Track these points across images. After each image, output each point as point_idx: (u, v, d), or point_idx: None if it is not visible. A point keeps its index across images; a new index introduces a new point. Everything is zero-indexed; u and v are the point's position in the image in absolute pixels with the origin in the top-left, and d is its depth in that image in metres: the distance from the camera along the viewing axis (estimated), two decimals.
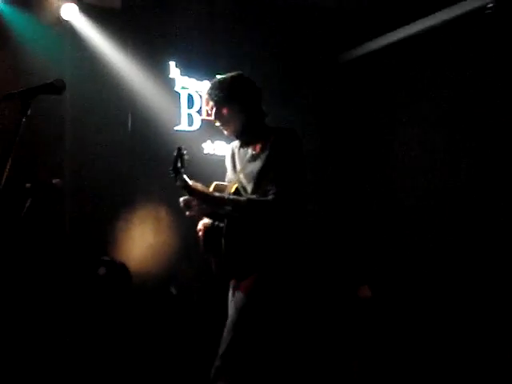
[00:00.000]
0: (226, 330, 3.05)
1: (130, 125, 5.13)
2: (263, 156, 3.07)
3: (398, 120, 5.83)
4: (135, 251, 4.84)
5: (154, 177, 4.91)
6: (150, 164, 5.04)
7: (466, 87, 5.12)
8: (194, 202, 3.09)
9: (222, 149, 5.58)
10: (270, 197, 2.95)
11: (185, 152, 3.01)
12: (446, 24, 5.27)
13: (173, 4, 5.45)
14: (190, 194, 3.06)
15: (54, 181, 4.01)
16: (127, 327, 4.77)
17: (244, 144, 3.26)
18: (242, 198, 3.04)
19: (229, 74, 3.31)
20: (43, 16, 4.86)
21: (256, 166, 3.08)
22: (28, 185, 3.94)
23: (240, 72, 3.35)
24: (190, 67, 5.54)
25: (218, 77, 3.33)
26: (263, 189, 3.01)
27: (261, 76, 5.77)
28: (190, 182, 3.03)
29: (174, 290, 5.02)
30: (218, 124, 3.30)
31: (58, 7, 4.89)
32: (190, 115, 5.51)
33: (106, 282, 4.71)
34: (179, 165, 2.98)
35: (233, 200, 3.04)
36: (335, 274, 5.79)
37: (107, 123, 5.01)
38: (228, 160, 3.40)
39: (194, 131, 5.49)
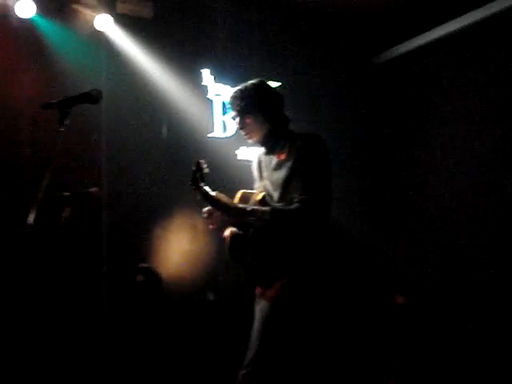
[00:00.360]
0: (252, 337, 3.05)
1: (164, 133, 5.16)
2: (288, 163, 3.03)
3: (433, 121, 5.77)
4: (172, 258, 4.86)
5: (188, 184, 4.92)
6: (185, 171, 5.04)
7: (504, 87, 5.05)
8: (217, 214, 3.09)
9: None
10: (295, 205, 2.92)
11: (205, 166, 2.99)
12: (481, 22, 5.22)
13: (205, 11, 5.47)
14: (212, 205, 3.04)
15: (91, 189, 4.06)
16: (163, 333, 4.79)
17: (269, 151, 3.22)
18: (265, 208, 2.97)
19: (250, 82, 3.27)
20: (78, 27, 4.92)
21: (282, 173, 3.05)
22: (66, 194, 3.99)
23: (261, 79, 3.31)
24: (223, 74, 5.56)
25: (240, 85, 3.27)
26: (289, 196, 2.98)
27: (295, 81, 5.88)
28: (213, 193, 3.01)
29: (211, 296, 5.01)
30: (242, 133, 3.27)
31: (92, 18, 4.94)
32: (223, 122, 5.53)
33: (144, 288, 4.73)
34: (198, 177, 2.97)
35: (256, 210, 2.98)
36: (370, 281, 5.74)
37: (142, 131, 5.05)
38: (255, 168, 3.38)
39: (227, 138, 5.50)
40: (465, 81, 5.43)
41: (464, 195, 5.39)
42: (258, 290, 3.17)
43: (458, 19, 5.41)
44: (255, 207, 3.01)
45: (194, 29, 5.43)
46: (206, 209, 3.10)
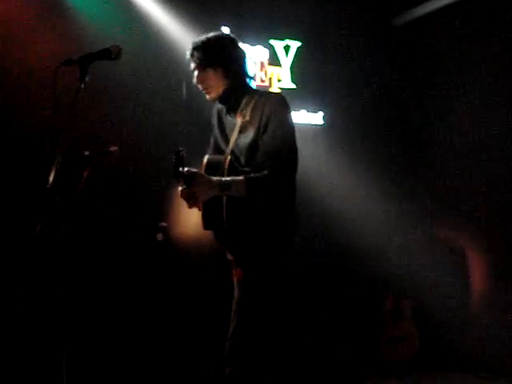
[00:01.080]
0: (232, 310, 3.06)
1: (184, 92, 5.11)
2: (253, 126, 2.99)
3: (456, 86, 5.64)
4: (191, 217, 4.86)
5: (207, 145, 4.92)
6: (205, 132, 5.03)
7: None
8: (198, 194, 2.91)
9: None
10: (267, 171, 2.87)
11: (184, 153, 2.84)
12: None
13: None
14: (196, 184, 2.87)
15: (111, 148, 4.05)
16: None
17: (230, 110, 3.16)
18: (239, 178, 2.89)
19: (212, 34, 3.18)
20: None
21: (248, 137, 3.00)
22: (86, 152, 3.99)
23: (223, 32, 3.27)
24: (243, 32, 5.48)
25: (202, 36, 3.18)
26: (256, 161, 2.95)
27: (315, 41, 5.79)
28: (195, 170, 2.90)
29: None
30: (200, 88, 3.18)
31: None
32: None
33: (164, 247, 4.76)
34: (181, 169, 2.82)
35: (232, 182, 2.88)
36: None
37: (162, 91, 5.01)
38: (215, 123, 3.32)
39: None
40: (490, 46, 5.28)
41: (481, 170, 5.31)
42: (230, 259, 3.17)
43: None
44: (229, 179, 2.91)
45: None
46: (183, 191, 2.91)
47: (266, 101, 3.01)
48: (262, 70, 5.58)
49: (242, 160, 3.03)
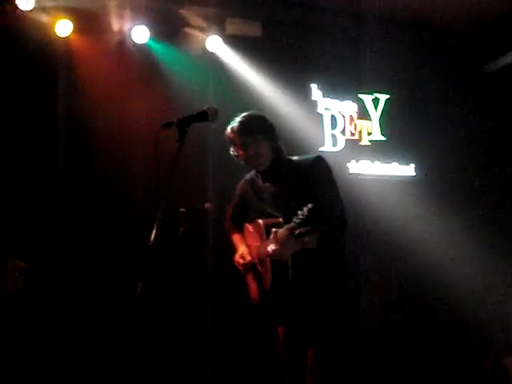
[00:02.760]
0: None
1: None
2: (301, 189, 3.19)
3: None
4: None
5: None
6: None
7: None
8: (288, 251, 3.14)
9: (367, 168, 5.54)
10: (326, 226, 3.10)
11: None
12: None
13: (311, 26, 5.49)
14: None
15: (206, 205, 4.15)
16: None
17: (270, 177, 3.38)
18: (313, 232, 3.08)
19: (252, 112, 3.45)
20: (190, 49, 5.09)
21: (297, 200, 3.11)
22: (182, 210, 4.10)
23: (253, 111, 3.48)
24: (332, 88, 5.56)
25: (243, 115, 3.41)
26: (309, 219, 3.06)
27: (404, 94, 5.78)
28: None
29: None
30: (247, 163, 3.42)
31: (203, 40, 5.10)
32: (333, 136, 5.52)
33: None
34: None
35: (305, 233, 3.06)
36: None
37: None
38: (247, 192, 3.55)
39: (338, 152, 5.48)
40: None
41: None
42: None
43: None
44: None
45: (301, 44, 5.46)
46: (276, 251, 3.14)
47: (307, 165, 3.27)
48: (351, 123, 5.61)
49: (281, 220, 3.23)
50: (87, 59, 4.75)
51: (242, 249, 3.49)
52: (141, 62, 4.91)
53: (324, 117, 5.52)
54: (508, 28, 5.73)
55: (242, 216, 3.64)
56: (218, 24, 5.14)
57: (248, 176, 3.60)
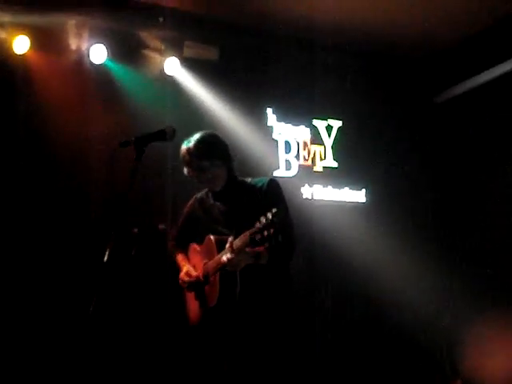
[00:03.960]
0: None
1: None
2: (253, 208, 3.12)
3: (499, 160, 5.66)
4: None
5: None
6: None
7: None
8: (242, 262, 3.10)
9: (320, 193, 5.63)
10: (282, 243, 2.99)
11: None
12: None
13: (268, 52, 5.59)
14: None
15: (159, 226, 4.17)
16: None
17: (222, 197, 3.41)
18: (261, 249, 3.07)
19: (205, 133, 3.41)
20: (147, 70, 5.13)
21: (248, 218, 3.03)
22: (135, 230, 4.11)
23: (208, 131, 3.46)
24: (287, 114, 5.65)
25: (195, 138, 3.37)
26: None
27: (356, 120, 5.92)
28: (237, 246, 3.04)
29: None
30: (202, 184, 3.45)
31: (161, 62, 5.14)
32: (287, 161, 5.60)
33: None
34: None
35: (259, 252, 3.09)
36: None
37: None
38: (195, 210, 3.56)
39: (292, 176, 5.56)
40: None
41: None
42: None
43: None
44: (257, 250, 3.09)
45: (257, 69, 5.55)
46: (233, 260, 3.06)
47: (261, 186, 3.32)
48: (304, 149, 5.71)
49: (230, 239, 3.14)
50: (44, 77, 4.73)
51: (187, 267, 3.47)
52: (98, 81, 4.91)
53: (279, 141, 5.61)
54: (458, 59, 5.94)
55: (188, 237, 3.63)
56: (176, 47, 5.19)
57: (198, 195, 3.61)
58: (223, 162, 3.37)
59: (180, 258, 3.59)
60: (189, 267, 3.46)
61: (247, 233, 2.92)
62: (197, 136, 3.39)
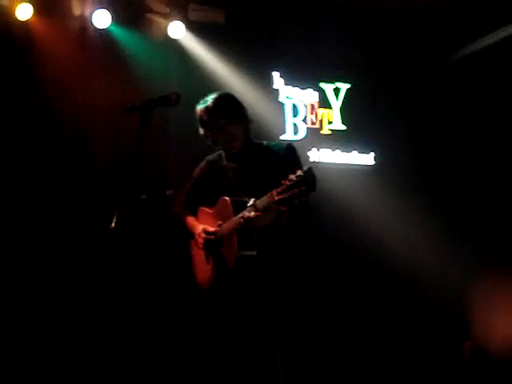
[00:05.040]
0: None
1: None
2: (270, 169, 3.16)
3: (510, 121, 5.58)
4: None
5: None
6: None
7: None
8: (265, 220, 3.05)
9: (328, 156, 5.60)
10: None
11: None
12: None
13: (275, 15, 5.51)
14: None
15: (167, 192, 4.16)
16: None
17: (238, 158, 3.34)
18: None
19: (223, 93, 3.41)
20: (152, 35, 5.08)
21: (265, 178, 3.08)
22: (143, 196, 4.11)
23: (224, 91, 3.47)
24: (294, 77, 5.59)
25: (211, 100, 3.33)
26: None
27: (367, 82, 5.84)
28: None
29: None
30: (218, 145, 3.38)
31: (166, 26, 5.08)
32: (294, 124, 5.55)
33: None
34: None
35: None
36: None
37: None
38: (208, 173, 3.47)
39: (299, 140, 5.52)
40: None
41: None
42: None
43: None
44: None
45: (264, 33, 5.49)
46: (258, 216, 3.00)
47: (279, 149, 3.29)
48: (312, 112, 5.66)
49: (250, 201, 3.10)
50: (48, 43, 4.70)
51: (202, 226, 3.35)
52: (102, 46, 4.88)
53: (286, 105, 5.55)
54: (470, 18, 5.81)
55: (197, 200, 3.55)
56: (181, 10, 5.12)
57: (210, 157, 3.54)
58: (241, 121, 3.33)
59: (191, 219, 3.51)
60: (205, 226, 3.34)
61: (274, 191, 2.83)
62: (214, 95, 3.36)
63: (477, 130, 5.92)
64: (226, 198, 3.22)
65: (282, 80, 5.54)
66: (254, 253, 3.08)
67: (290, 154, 3.28)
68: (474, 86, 5.91)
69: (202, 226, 3.35)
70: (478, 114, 5.89)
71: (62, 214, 4.57)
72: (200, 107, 3.34)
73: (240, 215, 3.05)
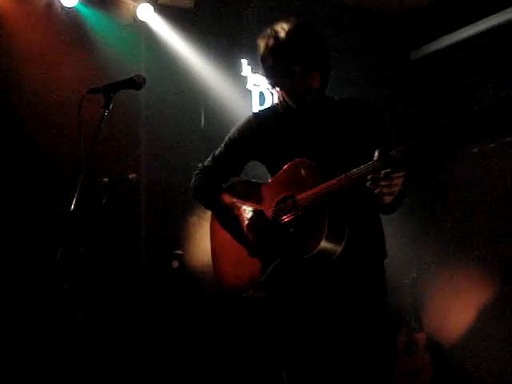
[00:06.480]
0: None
1: (203, 121, 5.20)
2: (354, 130, 2.47)
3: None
4: (207, 245, 4.90)
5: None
6: None
7: None
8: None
9: None
10: None
11: None
12: None
13: (244, 2, 5.49)
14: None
15: (130, 176, 4.12)
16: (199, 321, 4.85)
17: (308, 116, 2.54)
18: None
19: (299, 27, 2.53)
20: (119, 16, 5.00)
21: (348, 139, 2.45)
22: (105, 179, 4.05)
23: (304, 19, 2.61)
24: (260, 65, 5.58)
25: (285, 32, 2.46)
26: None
27: (332, 77, 5.84)
28: None
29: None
30: (290, 97, 2.55)
31: (134, 8, 5.01)
32: None
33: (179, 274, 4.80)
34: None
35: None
36: None
37: (181, 120, 5.10)
38: (261, 133, 2.64)
39: None
40: (504, 78, 5.33)
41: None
42: None
43: (502, 13, 5.34)
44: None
45: (233, 19, 5.46)
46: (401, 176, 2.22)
47: (366, 107, 2.55)
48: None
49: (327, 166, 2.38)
50: (13, 20, 4.58)
51: (252, 207, 2.53)
52: (69, 26, 4.78)
53: (253, 93, 5.54)
54: (434, 16, 5.90)
55: (236, 169, 2.79)
56: None
57: (258, 113, 2.80)
58: (323, 66, 2.56)
59: (228, 198, 2.70)
60: (257, 207, 2.53)
61: (398, 150, 2.16)
62: (290, 25, 2.48)
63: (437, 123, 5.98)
64: (307, 161, 2.39)
65: (249, 68, 5.53)
66: (339, 248, 2.29)
67: (380, 115, 2.57)
68: (436, 84, 6.00)
69: (250, 206, 2.55)
70: (439, 109, 5.99)
71: (21, 195, 4.49)
72: (269, 42, 2.47)
73: (360, 170, 2.19)
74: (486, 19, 5.44)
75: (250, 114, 2.82)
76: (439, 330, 5.52)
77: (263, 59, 2.52)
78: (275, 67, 2.48)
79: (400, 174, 2.15)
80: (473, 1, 5.52)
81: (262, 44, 2.52)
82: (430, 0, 5.83)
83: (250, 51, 5.50)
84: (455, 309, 5.49)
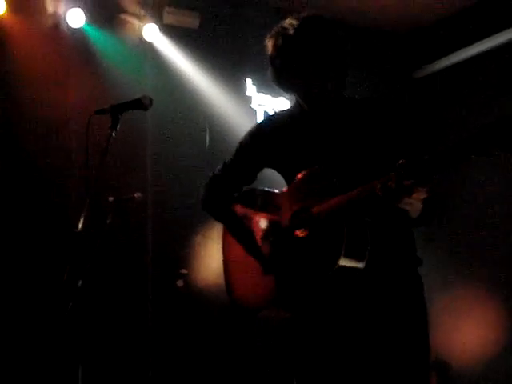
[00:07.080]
0: None
1: (207, 141, 5.22)
2: (372, 133, 2.23)
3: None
4: (212, 265, 4.91)
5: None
6: None
7: None
8: None
9: None
10: None
11: None
12: None
13: (249, 22, 5.52)
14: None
15: (135, 195, 4.14)
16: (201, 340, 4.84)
17: (325, 119, 2.31)
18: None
19: (317, 20, 2.38)
20: (125, 37, 5.05)
21: (366, 145, 2.21)
22: (111, 198, 4.07)
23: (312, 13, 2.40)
24: (266, 84, 5.59)
25: (289, 27, 2.28)
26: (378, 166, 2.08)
27: None
28: None
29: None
30: (319, 94, 2.31)
31: (140, 28, 5.06)
32: None
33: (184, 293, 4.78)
34: None
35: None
36: None
37: (186, 139, 5.13)
38: (273, 137, 2.42)
39: None
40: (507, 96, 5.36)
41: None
42: None
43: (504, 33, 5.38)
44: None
45: (238, 38, 5.49)
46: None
47: (388, 105, 2.35)
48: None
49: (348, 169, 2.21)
50: (20, 40, 4.63)
51: (263, 218, 2.34)
52: (75, 46, 4.83)
53: (257, 112, 5.57)
54: (438, 36, 5.94)
55: (248, 177, 2.56)
56: (156, 13, 5.12)
57: (272, 116, 2.71)
58: (337, 65, 2.29)
59: (241, 209, 2.49)
60: (272, 218, 2.32)
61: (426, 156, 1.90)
62: (300, 21, 2.30)
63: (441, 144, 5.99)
64: (324, 169, 2.17)
65: (254, 87, 5.56)
66: (361, 265, 2.04)
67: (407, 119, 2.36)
68: (440, 102, 6.03)
69: (265, 217, 2.35)
70: (444, 129, 6.01)
71: (28, 214, 4.51)
72: (279, 38, 2.27)
73: (356, 191, 2.00)
74: (489, 39, 5.50)
75: (263, 120, 2.66)
76: (445, 348, 5.49)
77: (272, 60, 2.33)
78: (285, 68, 2.29)
79: (423, 190, 1.92)
80: (476, 21, 5.57)
81: (270, 44, 2.34)
82: (434, 19, 5.87)
83: (255, 71, 5.55)
84: (461, 328, 5.47)
